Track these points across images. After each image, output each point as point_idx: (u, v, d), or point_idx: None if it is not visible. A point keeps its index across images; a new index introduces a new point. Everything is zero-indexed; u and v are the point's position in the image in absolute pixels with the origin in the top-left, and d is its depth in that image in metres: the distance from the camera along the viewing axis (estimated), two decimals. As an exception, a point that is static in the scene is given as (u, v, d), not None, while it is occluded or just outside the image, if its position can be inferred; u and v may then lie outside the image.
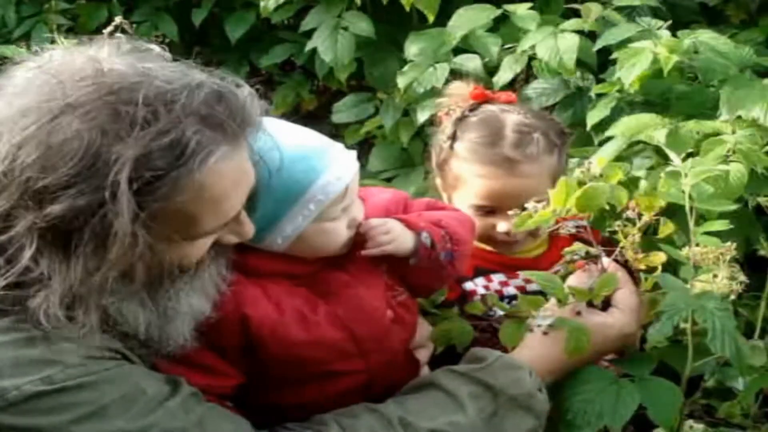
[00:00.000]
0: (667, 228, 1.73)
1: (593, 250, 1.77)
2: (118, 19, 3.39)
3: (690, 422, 1.77)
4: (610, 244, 1.80)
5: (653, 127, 2.35)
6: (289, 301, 1.74)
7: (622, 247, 1.74)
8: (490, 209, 2.09)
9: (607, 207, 1.77)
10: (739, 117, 2.37)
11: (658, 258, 1.73)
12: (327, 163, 1.71)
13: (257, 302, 1.71)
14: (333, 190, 1.70)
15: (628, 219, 1.74)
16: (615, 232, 1.76)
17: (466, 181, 2.12)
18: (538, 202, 1.75)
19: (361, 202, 1.82)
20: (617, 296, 1.76)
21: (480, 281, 2.10)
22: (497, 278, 2.11)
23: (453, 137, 2.15)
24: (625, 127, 2.42)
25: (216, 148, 1.46)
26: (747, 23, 3.06)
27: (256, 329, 1.70)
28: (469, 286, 2.08)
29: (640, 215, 1.73)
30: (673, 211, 1.78)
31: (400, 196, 1.99)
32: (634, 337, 1.78)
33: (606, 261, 1.78)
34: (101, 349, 1.52)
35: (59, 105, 1.41)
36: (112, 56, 1.49)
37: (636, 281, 1.80)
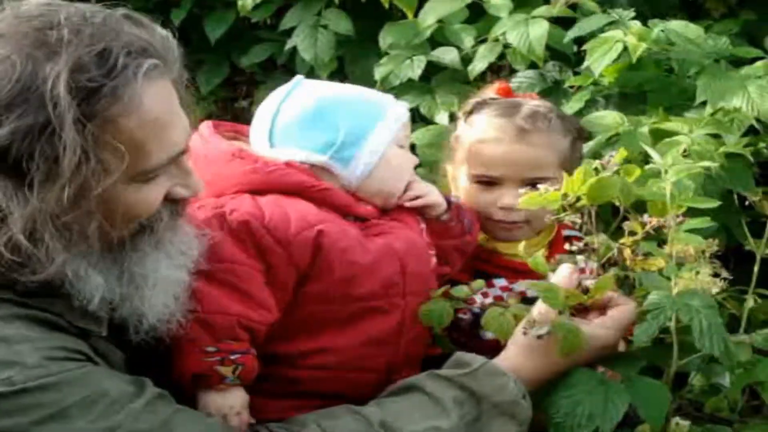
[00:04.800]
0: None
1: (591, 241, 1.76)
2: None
3: (677, 419, 1.76)
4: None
5: (614, 128, 2.37)
6: (350, 230, 1.84)
7: (622, 244, 1.74)
8: (492, 181, 2.11)
9: (617, 203, 1.77)
10: (721, 108, 2.38)
11: (657, 263, 1.71)
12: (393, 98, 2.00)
13: (331, 221, 1.82)
14: (405, 114, 1.97)
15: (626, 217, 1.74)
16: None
17: (472, 150, 2.15)
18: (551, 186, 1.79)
19: None
20: (615, 311, 1.75)
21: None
22: (499, 283, 2.11)
23: (470, 113, 2.20)
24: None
25: (145, 61, 1.49)
26: (727, 17, 3.05)
27: (329, 246, 1.78)
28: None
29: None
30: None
31: None
32: (615, 349, 1.78)
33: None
34: (61, 350, 1.51)
35: None
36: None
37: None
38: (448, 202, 2.04)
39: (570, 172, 1.91)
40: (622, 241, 1.74)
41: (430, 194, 2.00)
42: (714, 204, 1.75)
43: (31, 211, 1.44)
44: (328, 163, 1.87)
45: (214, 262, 1.72)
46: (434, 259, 1.97)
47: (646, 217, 1.74)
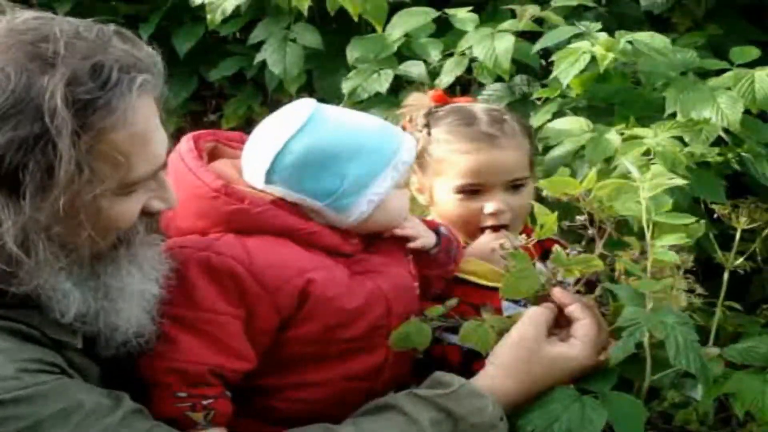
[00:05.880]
0: None
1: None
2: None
3: (648, 434, 1.78)
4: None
5: (580, 135, 2.41)
6: (339, 274, 1.80)
7: (617, 255, 1.76)
8: (476, 189, 2.14)
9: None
10: (691, 119, 2.40)
11: (649, 285, 1.71)
12: (404, 133, 1.94)
13: (321, 268, 1.77)
14: (412, 155, 1.89)
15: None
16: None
17: (449, 162, 2.16)
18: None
19: None
20: (578, 327, 1.77)
21: None
22: None
23: (427, 125, 2.20)
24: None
25: (138, 76, 1.51)
26: (693, 31, 3.08)
27: (318, 294, 1.75)
28: None
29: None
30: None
31: None
32: (593, 368, 1.78)
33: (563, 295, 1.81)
34: (36, 362, 1.51)
35: None
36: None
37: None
38: (438, 234, 2.00)
39: (532, 169, 2.10)
40: (620, 253, 1.76)
41: (424, 236, 1.96)
42: (689, 220, 1.76)
43: (23, 221, 1.45)
44: (322, 208, 1.81)
45: (193, 310, 1.70)
46: (418, 292, 1.94)
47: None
